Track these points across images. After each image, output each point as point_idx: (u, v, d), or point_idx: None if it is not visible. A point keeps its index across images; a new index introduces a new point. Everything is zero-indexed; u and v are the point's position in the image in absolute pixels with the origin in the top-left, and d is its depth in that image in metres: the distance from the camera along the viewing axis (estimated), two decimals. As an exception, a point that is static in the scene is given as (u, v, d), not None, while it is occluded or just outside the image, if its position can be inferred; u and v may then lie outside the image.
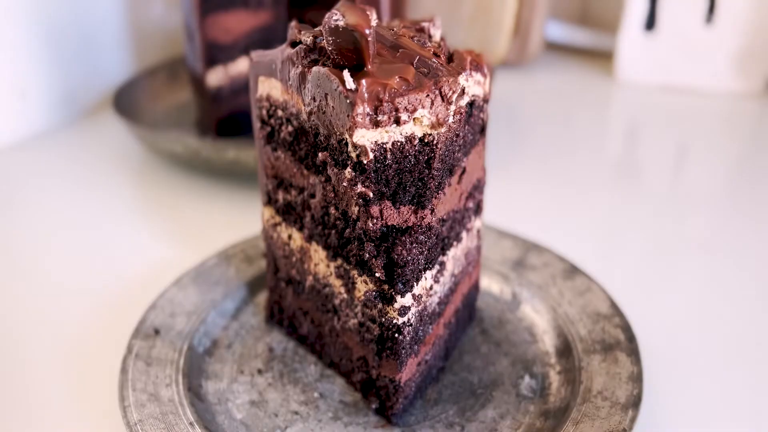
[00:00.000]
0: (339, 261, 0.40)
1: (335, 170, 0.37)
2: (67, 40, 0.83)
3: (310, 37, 0.37)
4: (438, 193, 0.37)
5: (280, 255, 0.46)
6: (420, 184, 0.36)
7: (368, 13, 0.34)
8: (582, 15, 1.10)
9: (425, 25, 0.40)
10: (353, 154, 0.34)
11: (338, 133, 0.35)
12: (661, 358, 0.46)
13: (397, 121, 0.34)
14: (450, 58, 0.38)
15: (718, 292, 0.54)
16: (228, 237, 0.58)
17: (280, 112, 0.41)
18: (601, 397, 0.39)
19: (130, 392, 0.40)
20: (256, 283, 0.51)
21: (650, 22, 0.92)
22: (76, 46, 0.84)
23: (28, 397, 0.44)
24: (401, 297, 0.37)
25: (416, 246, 0.37)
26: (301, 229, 0.43)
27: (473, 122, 0.40)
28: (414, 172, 0.36)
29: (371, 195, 0.35)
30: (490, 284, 0.51)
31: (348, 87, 0.33)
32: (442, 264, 0.41)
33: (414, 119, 0.34)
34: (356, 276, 0.39)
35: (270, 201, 0.45)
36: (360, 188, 0.35)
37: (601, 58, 1.03)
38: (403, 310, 0.38)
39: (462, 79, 0.36)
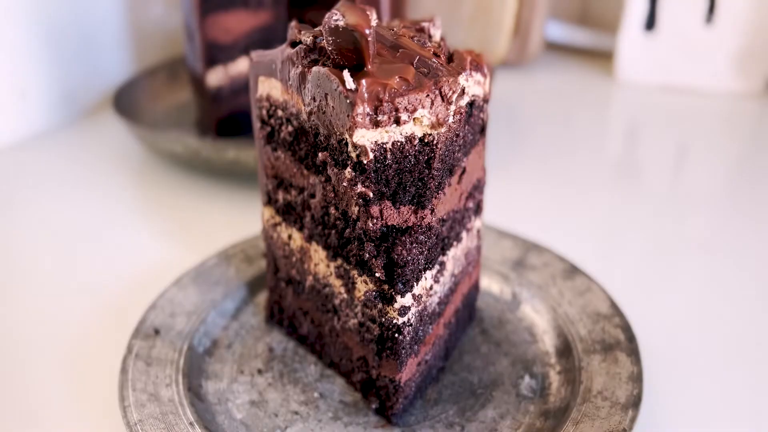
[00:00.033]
0: (339, 261, 0.40)
1: (335, 170, 0.37)
2: (67, 40, 0.83)
3: (310, 37, 0.37)
4: (438, 193, 0.37)
5: (280, 255, 0.46)
6: (420, 184, 0.36)
7: (368, 13, 0.34)
8: (582, 15, 1.10)
9: (425, 25, 0.40)
10: (353, 154, 0.34)
11: (338, 133, 0.35)
12: (661, 358, 0.46)
13: (397, 121, 0.34)
14: (450, 58, 0.38)
15: (718, 292, 0.54)
16: (228, 237, 0.58)
17: (280, 112, 0.41)
18: (601, 397, 0.39)
19: (130, 392, 0.40)
20: (256, 283, 0.51)
21: (650, 22, 0.92)
22: (76, 46, 0.84)
23: (28, 397, 0.44)
24: (401, 297, 0.37)
25: (416, 246, 0.37)
26: (301, 229, 0.43)
27: (473, 122, 0.40)
28: (414, 172, 0.36)
29: (371, 195, 0.35)
30: (490, 284, 0.51)
31: (348, 87, 0.33)
32: (442, 264, 0.41)
33: (414, 119, 0.34)
34: (356, 276, 0.39)
35: (270, 201, 0.45)
36: (360, 188, 0.35)
37: (601, 58, 1.03)
38: (403, 310, 0.38)
39: (462, 79, 0.36)
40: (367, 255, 0.37)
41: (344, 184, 0.36)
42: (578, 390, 0.41)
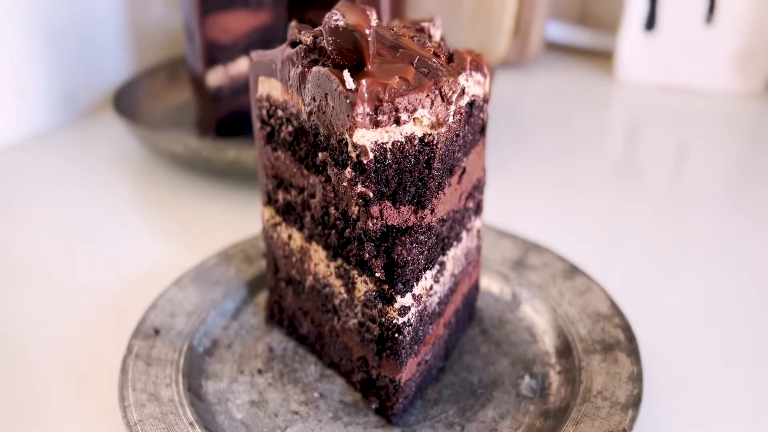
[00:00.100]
0: (339, 261, 0.40)
1: (335, 170, 0.37)
2: (67, 40, 0.83)
3: (310, 37, 0.37)
4: (438, 193, 0.37)
5: (280, 255, 0.46)
6: (420, 184, 0.36)
7: (368, 13, 0.34)
8: (582, 15, 1.10)
9: (425, 25, 0.40)
10: (353, 154, 0.34)
11: (338, 133, 0.35)
12: (661, 358, 0.46)
13: (397, 121, 0.34)
14: (450, 58, 0.38)
15: (718, 292, 0.54)
16: (228, 237, 0.58)
17: (280, 112, 0.41)
18: (601, 397, 0.39)
19: (130, 392, 0.40)
20: (256, 283, 0.51)
21: (650, 22, 0.92)
22: (76, 46, 0.84)
23: (28, 397, 0.44)
24: (401, 297, 0.37)
25: (416, 246, 0.37)
26: (301, 229, 0.43)
27: (473, 122, 0.40)
28: (414, 172, 0.36)
29: (371, 195, 0.35)
30: (490, 284, 0.51)
31: (348, 87, 0.33)
32: (442, 264, 0.41)
33: (414, 119, 0.34)
34: (356, 276, 0.39)
35: (270, 201, 0.45)
36: (360, 188, 0.35)
37: (601, 58, 1.03)
38: (403, 310, 0.38)
39: (462, 79, 0.36)
40: (367, 255, 0.37)
41: (344, 184, 0.36)
42: (578, 390, 0.41)
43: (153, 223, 0.64)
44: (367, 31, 0.33)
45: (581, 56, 1.05)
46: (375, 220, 0.36)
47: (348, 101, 0.33)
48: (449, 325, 0.44)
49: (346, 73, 0.33)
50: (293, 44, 0.38)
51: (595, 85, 0.96)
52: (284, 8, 0.77)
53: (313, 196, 0.40)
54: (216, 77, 0.74)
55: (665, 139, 0.82)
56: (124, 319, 0.49)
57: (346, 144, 0.35)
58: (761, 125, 0.85)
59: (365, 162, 0.34)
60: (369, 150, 0.34)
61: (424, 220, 0.37)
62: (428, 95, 0.34)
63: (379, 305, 0.38)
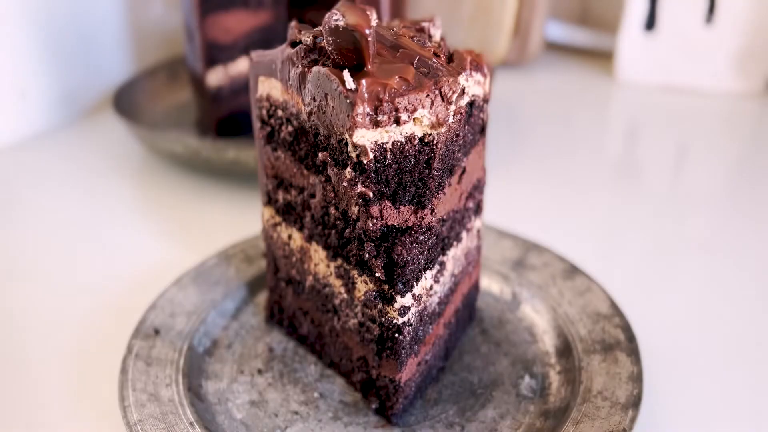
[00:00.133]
0: (339, 261, 0.40)
1: (335, 170, 0.37)
2: (67, 40, 0.83)
3: (310, 37, 0.37)
4: (438, 193, 0.37)
5: (280, 255, 0.46)
6: (420, 184, 0.36)
7: (368, 13, 0.34)
8: (582, 15, 1.10)
9: (425, 25, 0.40)
10: (353, 154, 0.34)
11: (338, 133, 0.35)
12: (661, 358, 0.46)
13: (397, 121, 0.34)
14: (450, 58, 0.38)
15: (718, 292, 0.54)
16: (228, 237, 0.58)
17: (280, 112, 0.41)
18: (601, 397, 0.39)
19: (130, 392, 0.40)
20: (256, 283, 0.51)
21: (650, 22, 0.92)
22: (76, 46, 0.84)
23: (28, 397, 0.44)
24: (401, 297, 0.37)
25: (416, 246, 0.37)
26: (301, 229, 0.43)
27: (473, 122, 0.40)
28: (414, 172, 0.36)
29: (371, 195, 0.35)
30: (490, 284, 0.51)
31: (348, 87, 0.33)
32: (442, 264, 0.41)
33: (414, 119, 0.34)
34: (356, 276, 0.39)
35: (270, 201, 0.45)
36: (360, 188, 0.35)
37: (601, 58, 1.03)
38: (403, 310, 0.38)
39: (462, 79, 0.36)
40: (367, 255, 0.37)
41: (344, 184, 0.36)
42: (578, 390, 0.41)
43: (153, 223, 0.64)
44: (367, 31, 0.33)
45: (581, 56, 1.05)
46: (375, 220, 0.36)
47: (348, 101, 0.33)
48: (449, 325, 0.44)
49: (346, 73, 0.33)
50: (293, 44, 0.38)
51: (595, 85, 0.96)
52: (284, 8, 0.77)
53: (313, 196, 0.40)
54: (216, 77, 0.74)
55: (665, 139, 0.82)
56: (124, 319, 0.49)
57: (346, 144, 0.35)
58: (761, 125, 0.85)
59: (365, 162, 0.34)
60: (369, 150, 0.34)
61: (424, 220, 0.37)
62: (428, 95, 0.34)
63: (379, 305, 0.38)
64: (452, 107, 0.35)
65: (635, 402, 0.39)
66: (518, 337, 0.47)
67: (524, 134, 0.82)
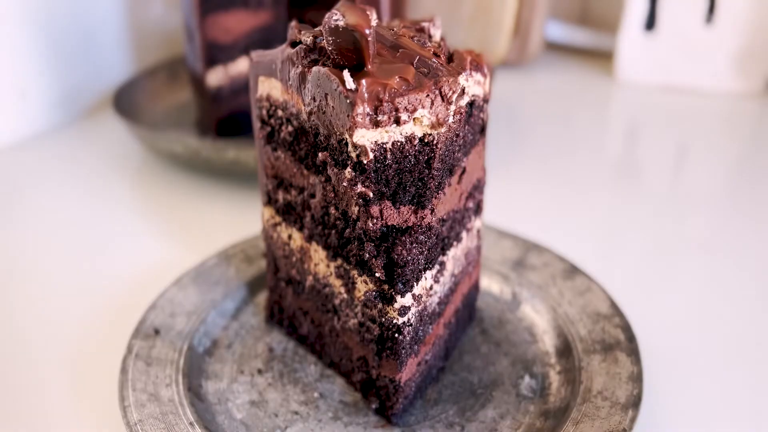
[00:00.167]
0: (339, 261, 0.40)
1: (335, 170, 0.37)
2: (67, 40, 0.83)
3: (310, 37, 0.37)
4: (438, 193, 0.37)
5: (280, 255, 0.46)
6: (420, 184, 0.36)
7: (368, 13, 0.34)
8: (582, 15, 1.10)
9: (425, 25, 0.40)
10: (353, 154, 0.34)
11: (338, 133, 0.35)
12: (661, 358, 0.46)
13: (397, 121, 0.34)
14: (450, 58, 0.38)
15: (718, 292, 0.54)
16: (228, 237, 0.58)
17: (280, 112, 0.41)
18: (601, 397, 0.39)
19: (130, 392, 0.40)
20: (256, 283, 0.51)
21: (650, 22, 0.92)
22: (76, 46, 0.84)
23: (28, 397, 0.44)
24: (401, 297, 0.37)
25: (416, 246, 0.37)
26: (301, 229, 0.43)
27: (473, 122, 0.40)
28: (414, 172, 0.36)
29: (371, 195, 0.35)
30: (490, 284, 0.51)
31: (348, 87, 0.33)
32: (442, 264, 0.41)
33: (414, 119, 0.34)
34: (356, 276, 0.39)
35: (270, 201, 0.45)
36: (360, 188, 0.35)
37: (601, 58, 1.03)
38: (403, 310, 0.38)
39: (462, 79, 0.36)
40: (367, 255, 0.37)
41: (344, 184, 0.36)
42: (578, 390, 0.41)
43: (153, 223, 0.64)
44: (367, 31, 0.33)
45: (581, 56, 1.05)
46: (375, 220, 0.36)
47: (348, 101, 0.33)
48: (449, 325, 0.44)
49: (346, 73, 0.33)
50: (293, 44, 0.38)
51: (595, 85, 0.96)
52: (284, 8, 0.77)
53: (313, 196, 0.40)
54: (216, 77, 0.74)
55: (665, 139, 0.82)
56: (124, 319, 0.49)
57: (346, 144, 0.35)
58: (761, 125, 0.85)
59: (365, 162, 0.34)
60: (369, 150, 0.34)
61: (424, 220, 0.37)
62: (428, 95, 0.34)
63: (379, 305, 0.38)
64: (452, 107, 0.35)
65: (635, 402, 0.39)
66: (518, 337, 0.47)
67: (524, 134, 0.82)
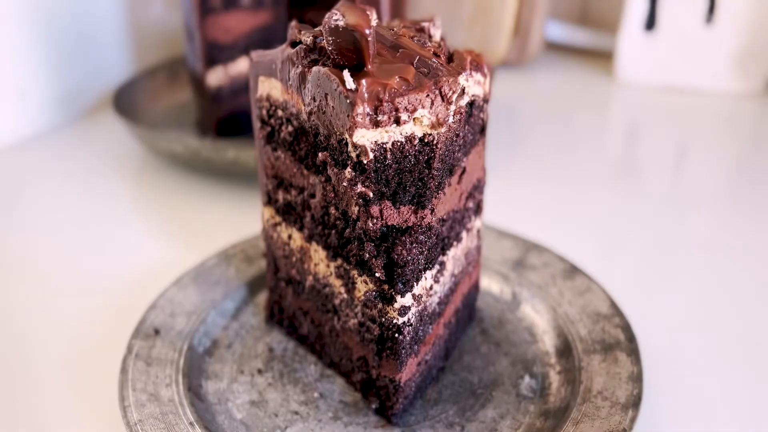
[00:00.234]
0: (339, 261, 0.40)
1: (335, 170, 0.37)
2: (67, 40, 0.83)
3: (310, 37, 0.37)
4: (438, 193, 0.37)
5: (280, 255, 0.46)
6: (420, 184, 0.36)
7: (368, 13, 0.34)
8: (582, 15, 1.10)
9: (425, 25, 0.40)
10: (353, 154, 0.34)
11: (338, 133, 0.35)
12: (661, 358, 0.46)
13: (397, 121, 0.34)
14: (450, 58, 0.38)
15: (718, 292, 0.54)
16: (228, 237, 0.58)
17: (280, 112, 0.41)
18: (601, 397, 0.39)
19: (130, 392, 0.40)
20: (256, 283, 0.51)
21: (650, 22, 0.92)
22: (76, 46, 0.84)
23: (28, 397, 0.44)
24: (401, 297, 0.37)
25: (416, 246, 0.37)
26: (301, 229, 0.43)
27: (473, 122, 0.40)
28: (414, 172, 0.36)
29: (371, 195, 0.35)
30: (490, 284, 0.51)
31: (348, 87, 0.33)
32: (442, 264, 0.41)
33: (414, 119, 0.34)
34: (356, 276, 0.39)
35: (270, 201, 0.45)
36: (360, 188, 0.35)
37: (601, 58, 1.03)
38: (403, 310, 0.38)
39: (462, 79, 0.36)
40: (367, 255, 0.37)
41: (344, 184, 0.36)
42: (578, 390, 0.41)
43: (153, 223, 0.64)
44: (367, 31, 0.33)
45: (581, 56, 1.05)
46: (375, 220, 0.36)
47: (348, 101, 0.33)
48: (449, 325, 0.44)
49: (346, 73, 0.33)
50: (293, 44, 0.38)
51: (595, 85, 0.96)
52: (284, 8, 0.77)
53: (313, 196, 0.40)
54: (216, 77, 0.74)
55: (665, 139, 0.82)
56: (124, 319, 0.49)
57: (346, 144, 0.35)
58: (761, 125, 0.85)
59: (365, 162, 0.34)
60: (369, 150, 0.34)
61: (424, 220, 0.37)
62: (428, 95, 0.34)
63: (379, 305, 0.38)
64: (452, 107, 0.35)
65: (635, 402, 0.39)
66: (518, 337, 0.47)
67: (524, 134, 0.82)
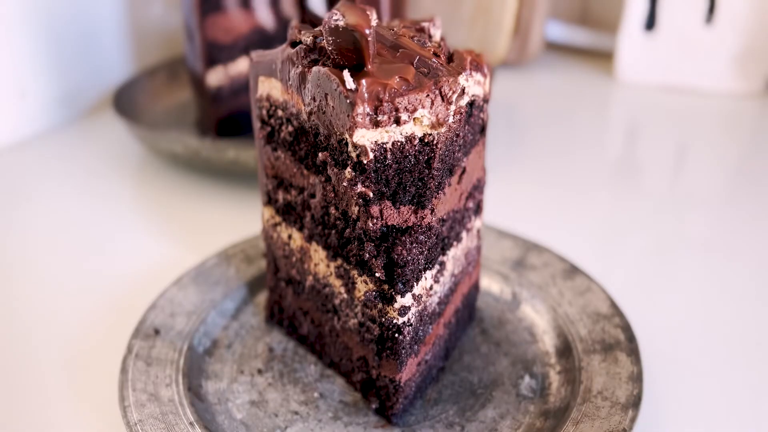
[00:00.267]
0: (339, 261, 0.40)
1: (335, 170, 0.37)
2: (67, 40, 0.83)
3: (310, 37, 0.37)
4: (438, 193, 0.37)
5: (280, 255, 0.46)
6: (420, 184, 0.36)
7: (368, 13, 0.34)
8: (582, 15, 1.10)
9: (425, 25, 0.40)
10: (353, 154, 0.34)
11: (338, 133, 0.35)
12: (661, 358, 0.46)
13: (397, 121, 0.34)
14: (450, 58, 0.38)
15: (718, 292, 0.54)
16: (228, 237, 0.58)
17: (280, 112, 0.41)
18: (601, 397, 0.39)
19: (130, 392, 0.40)
20: (256, 283, 0.51)
21: (650, 22, 0.92)
22: (76, 46, 0.84)
23: (28, 397, 0.44)
24: (401, 297, 0.37)
25: (416, 246, 0.37)
26: (301, 229, 0.43)
27: (473, 122, 0.40)
28: (414, 172, 0.36)
29: (371, 195, 0.35)
30: (490, 284, 0.51)
31: (348, 87, 0.33)
32: (442, 264, 0.41)
33: (414, 119, 0.34)
34: (356, 276, 0.39)
35: (270, 201, 0.45)
36: (360, 188, 0.35)
37: (601, 58, 1.03)
38: (403, 310, 0.38)
39: (462, 79, 0.36)
40: (367, 255, 0.37)
41: (344, 184, 0.36)
42: (578, 390, 0.41)
43: (153, 223, 0.64)
44: (367, 31, 0.33)
45: (581, 56, 1.05)
46: (375, 220, 0.36)
47: (348, 101, 0.33)
48: (449, 325, 0.44)
49: (346, 73, 0.33)
50: (293, 44, 0.38)
51: (595, 85, 0.96)
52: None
53: (313, 196, 0.40)
54: (216, 77, 0.74)
55: (665, 139, 0.82)
56: (124, 319, 0.49)
57: (346, 144, 0.35)
58: (761, 125, 0.85)
59: (365, 162, 0.34)
60: (369, 150, 0.34)
61: (424, 220, 0.37)
62: (428, 95, 0.34)
63: (379, 305, 0.38)
64: (452, 107, 0.35)
65: (635, 402, 0.39)
66: (518, 337, 0.47)
67: (524, 134, 0.82)
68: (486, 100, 0.41)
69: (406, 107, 0.34)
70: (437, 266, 0.40)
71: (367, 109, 0.33)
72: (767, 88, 0.91)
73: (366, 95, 0.33)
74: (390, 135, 0.34)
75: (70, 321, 0.51)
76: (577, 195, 0.69)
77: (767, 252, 0.59)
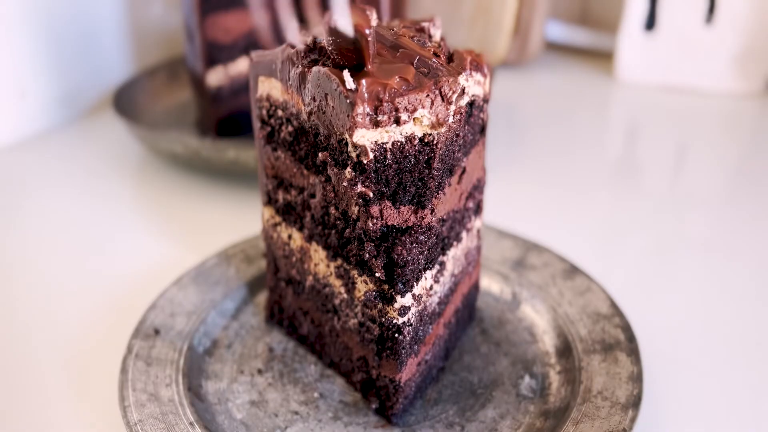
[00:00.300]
0: (339, 261, 0.40)
1: (335, 170, 0.37)
2: (67, 40, 0.83)
3: (310, 37, 0.37)
4: (438, 193, 0.37)
5: (280, 255, 0.46)
6: (420, 184, 0.36)
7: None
8: (582, 15, 1.10)
9: (425, 25, 0.40)
10: (353, 154, 0.34)
11: (338, 133, 0.35)
12: (661, 358, 0.46)
13: (397, 121, 0.34)
14: (450, 58, 0.38)
15: (718, 292, 0.54)
16: (228, 237, 0.58)
17: (280, 112, 0.41)
18: (601, 397, 0.39)
19: (130, 392, 0.40)
20: (256, 283, 0.51)
21: (650, 22, 0.92)
22: (76, 46, 0.84)
23: (28, 397, 0.44)
24: (401, 297, 0.37)
25: (416, 246, 0.37)
26: (301, 229, 0.43)
27: (473, 122, 0.40)
28: (414, 172, 0.36)
29: (371, 195, 0.35)
30: (490, 284, 0.51)
31: (348, 87, 0.33)
32: (442, 264, 0.41)
33: (414, 119, 0.34)
34: (356, 276, 0.39)
35: (270, 201, 0.45)
36: (360, 188, 0.35)
37: (601, 58, 1.03)
38: (403, 310, 0.38)
39: (462, 79, 0.36)
40: (367, 255, 0.37)
41: (344, 184, 0.36)
42: (578, 390, 0.41)
43: (153, 223, 0.64)
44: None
45: (581, 56, 1.05)
46: (375, 220, 0.36)
47: (348, 101, 0.33)
48: (449, 325, 0.44)
49: (346, 73, 0.33)
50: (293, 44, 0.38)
51: (595, 85, 0.96)
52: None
53: (313, 196, 0.40)
54: (216, 77, 0.74)
55: (665, 139, 0.82)
56: (124, 319, 0.49)
57: (346, 144, 0.35)
58: (761, 125, 0.85)
59: (365, 162, 0.34)
60: (369, 150, 0.34)
61: (424, 220, 0.37)
62: (428, 95, 0.34)
63: (379, 305, 0.38)
64: (452, 107, 0.35)
65: (635, 402, 0.39)
66: (518, 337, 0.47)
67: (524, 134, 0.82)
68: (486, 100, 0.41)
69: (406, 107, 0.34)
70: (437, 266, 0.40)
71: (367, 109, 0.33)
72: (767, 88, 0.91)
73: (366, 95, 0.33)
74: (390, 135, 0.34)
75: (70, 321, 0.51)
76: (577, 195, 0.69)
77: (767, 252, 0.59)
